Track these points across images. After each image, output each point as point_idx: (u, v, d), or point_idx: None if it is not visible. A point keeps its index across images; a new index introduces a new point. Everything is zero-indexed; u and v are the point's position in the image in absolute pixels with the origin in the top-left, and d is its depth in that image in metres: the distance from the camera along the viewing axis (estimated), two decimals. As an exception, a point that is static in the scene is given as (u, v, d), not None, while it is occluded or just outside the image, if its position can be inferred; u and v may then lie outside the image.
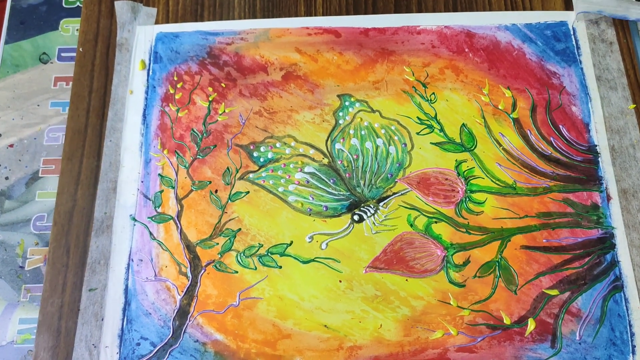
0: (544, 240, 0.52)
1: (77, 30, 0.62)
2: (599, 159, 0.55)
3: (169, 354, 0.49)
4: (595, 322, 0.50)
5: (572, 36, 0.59)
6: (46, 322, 0.50)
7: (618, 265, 0.51)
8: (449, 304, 0.50)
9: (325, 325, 0.50)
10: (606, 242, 0.52)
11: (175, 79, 0.58)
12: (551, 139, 0.56)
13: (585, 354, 0.49)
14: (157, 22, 0.61)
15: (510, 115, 0.56)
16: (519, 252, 0.52)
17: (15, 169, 0.57)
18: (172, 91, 0.58)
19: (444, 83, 0.58)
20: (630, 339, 0.49)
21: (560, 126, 0.56)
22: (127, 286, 0.51)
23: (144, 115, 0.57)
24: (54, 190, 0.55)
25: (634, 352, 0.49)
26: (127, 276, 0.52)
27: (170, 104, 0.57)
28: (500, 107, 0.57)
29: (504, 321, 0.50)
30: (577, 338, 0.49)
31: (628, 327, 0.49)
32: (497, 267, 0.51)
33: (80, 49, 0.59)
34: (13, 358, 0.51)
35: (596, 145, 0.55)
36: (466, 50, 0.59)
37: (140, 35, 0.60)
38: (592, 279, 0.51)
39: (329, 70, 0.58)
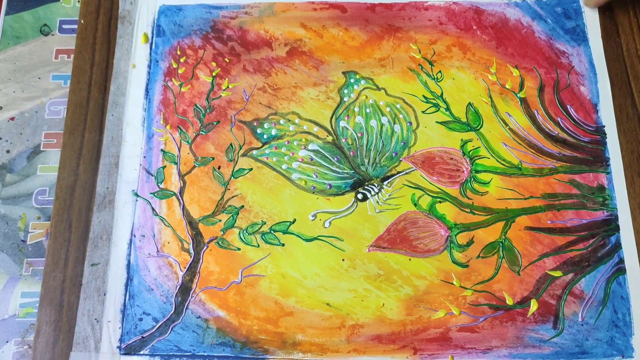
0: (548, 222, 0.52)
1: (78, 1, 0.61)
2: (607, 140, 0.54)
3: (171, 329, 0.49)
4: (598, 303, 0.50)
5: (583, 14, 0.58)
6: (48, 296, 0.50)
7: (622, 247, 0.51)
8: (452, 284, 0.50)
9: (328, 304, 0.50)
10: (611, 224, 0.52)
11: (179, 53, 0.57)
12: (558, 119, 0.55)
13: (587, 335, 0.49)
14: (160, -5, 0.60)
15: (518, 95, 0.56)
16: (523, 233, 0.51)
17: (17, 142, 0.56)
18: (175, 65, 0.57)
19: (451, 61, 0.57)
20: (632, 321, 0.49)
21: (568, 106, 0.55)
22: (129, 262, 0.51)
23: (147, 90, 0.56)
24: (55, 165, 0.55)
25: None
26: (130, 252, 0.51)
27: (173, 79, 0.56)
28: (507, 87, 0.56)
29: (507, 302, 0.50)
30: (580, 319, 0.49)
31: (631, 309, 0.49)
32: (500, 248, 0.51)
33: (82, 21, 0.58)
34: (15, 331, 0.51)
35: (604, 126, 0.55)
36: (474, 27, 0.58)
37: (143, 8, 0.59)
38: (596, 260, 0.51)
39: (335, 46, 0.57)
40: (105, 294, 0.50)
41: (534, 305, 0.50)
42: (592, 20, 0.58)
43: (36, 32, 0.60)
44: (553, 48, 0.57)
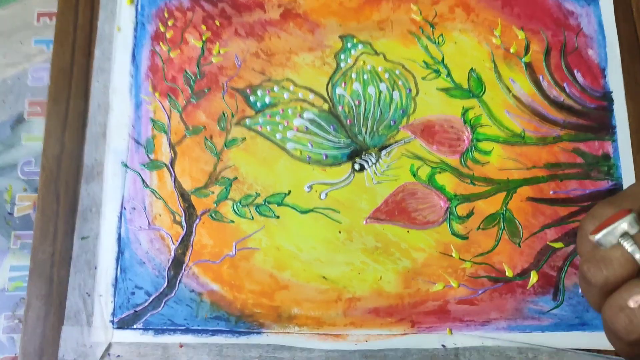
0: (551, 192, 0.50)
1: (59, -41, 0.58)
2: (614, 106, 0.52)
3: (165, 303, 0.48)
4: (599, 276, 0.49)
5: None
6: (37, 270, 0.49)
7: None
8: (451, 256, 0.49)
9: (324, 277, 0.49)
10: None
11: (166, 15, 0.54)
12: (564, 84, 0.53)
13: (588, 306, 0.48)
14: (145, -48, 0.56)
15: (522, 60, 0.53)
16: (524, 204, 0.50)
17: (-1, 110, 0.54)
18: (162, 29, 0.54)
19: (454, 23, 0.54)
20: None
21: (575, 71, 0.53)
22: (120, 235, 0.50)
23: (133, 55, 0.54)
24: (40, 134, 0.53)
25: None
26: (120, 224, 0.50)
27: (161, 43, 0.54)
28: (512, 51, 0.53)
29: (506, 274, 0.49)
30: (580, 291, 0.48)
31: (633, 282, 0.49)
32: (501, 219, 0.50)
33: (64, -19, 0.55)
34: (5, 305, 0.50)
35: (611, 92, 0.53)
36: (479, -16, 0.55)
37: (128, -34, 0.56)
38: (599, 232, 0.49)
39: (331, 7, 0.54)
40: (96, 268, 0.49)
41: (534, 277, 0.49)
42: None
43: (16, -7, 0.57)
44: (562, 8, 0.54)
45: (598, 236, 0.35)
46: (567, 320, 0.48)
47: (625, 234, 0.34)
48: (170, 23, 0.54)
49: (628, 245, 0.33)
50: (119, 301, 0.48)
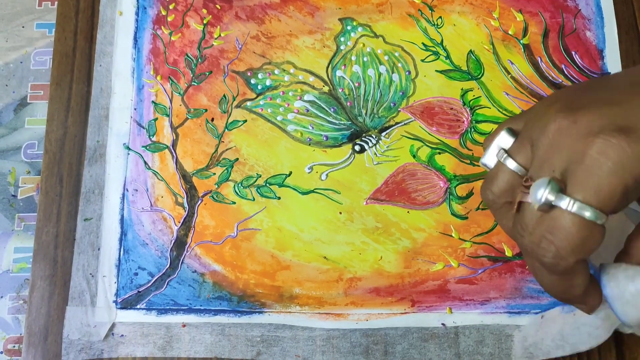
0: (550, 172, 0.51)
1: (60, -55, 0.58)
2: (611, 88, 0.53)
3: (167, 284, 0.49)
4: (597, 255, 0.49)
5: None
6: (42, 251, 0.49)
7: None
8: (451, 236, 0.50)
9: (325, 257, 0.49)
10: (613, 175, 0.51)
11: (167, -1, 0.55)
12: (562, 66, 0.53)
13: (586, 286, 0.48)
14: (146, -63, 0.57)
15: (521, 41, 0.54)
16: (523, 185, 0.51)
17: (2, 94, 0.54)
18: (164, 12, 0.54)
19: (452, 6, 0.54)
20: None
21: (573, 52, 0.53)
22: (122, 216, 0.50)
23: (135, 39, 0.54)
24: (43, 117, 0.53)
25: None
26: (123, 206, 0.50)
27: (162, 27, 0.54)
28: (510, 33, 0.54)
29: (506, 253, 0.49)
30: None
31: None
32: (500, 200, 0.50)
33: (65, -34, 0.56)
34: (10, 286, 0.50)
35: (609, 73, 0.53)
36: (477, -33, 0.55)
37: (129, -49, 0.56)
38: (597, 211, 0.50)
39: (331, -10, 0.55)
40: (99, 249, 0.49)
41: (533, 257, 0.49)
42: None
43: (17, -22, 0.57)
44: (559, -10, 0.55)
45: (482, 159, 0.36)
46: (565, 299, 0.48)
47: (501, 150, 0.35)
48: (171, 7, 0.55)
49: (503, 159, 0.35)
50: (122, 282, 0.49)
